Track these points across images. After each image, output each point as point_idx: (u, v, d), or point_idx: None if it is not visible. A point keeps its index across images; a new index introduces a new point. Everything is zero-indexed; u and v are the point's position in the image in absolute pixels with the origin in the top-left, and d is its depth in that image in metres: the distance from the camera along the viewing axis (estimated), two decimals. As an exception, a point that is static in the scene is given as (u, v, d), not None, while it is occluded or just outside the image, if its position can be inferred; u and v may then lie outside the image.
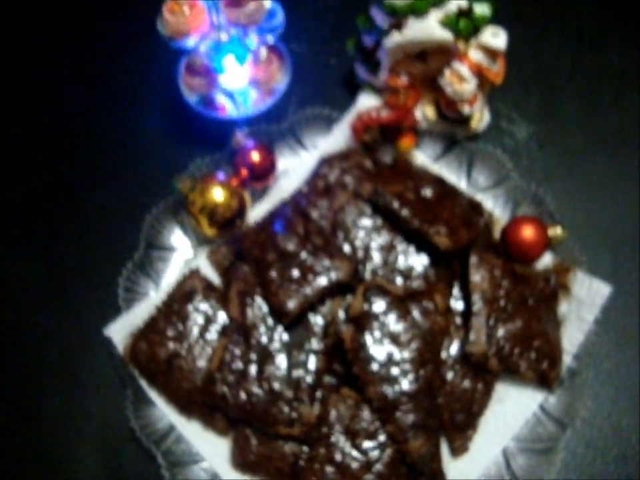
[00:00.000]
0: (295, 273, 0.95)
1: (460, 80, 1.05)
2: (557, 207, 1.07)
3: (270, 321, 0.95)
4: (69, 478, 0.98)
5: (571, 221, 1.09)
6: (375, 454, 0.90)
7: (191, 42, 1.04)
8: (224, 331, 0.97)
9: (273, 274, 0.95)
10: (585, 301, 1.00)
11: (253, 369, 0.93)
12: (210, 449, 0.96)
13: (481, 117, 1.13)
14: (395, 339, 0.91)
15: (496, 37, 1.03)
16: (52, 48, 1.33)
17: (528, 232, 1.00)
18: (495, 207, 1.09)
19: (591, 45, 1.27)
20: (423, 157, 1.12)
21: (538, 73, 1.25)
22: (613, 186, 1.14)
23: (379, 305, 0.93)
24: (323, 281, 0.94)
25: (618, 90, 1.22)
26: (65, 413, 1.01)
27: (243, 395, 0.92)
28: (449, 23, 1.03)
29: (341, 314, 0.96)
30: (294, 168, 1.13)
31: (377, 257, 0.99)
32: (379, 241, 1.00)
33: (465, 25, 1.03)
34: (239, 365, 0.93)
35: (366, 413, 0.91)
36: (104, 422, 1.00)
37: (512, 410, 0.96)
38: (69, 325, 1.07)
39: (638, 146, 1.17)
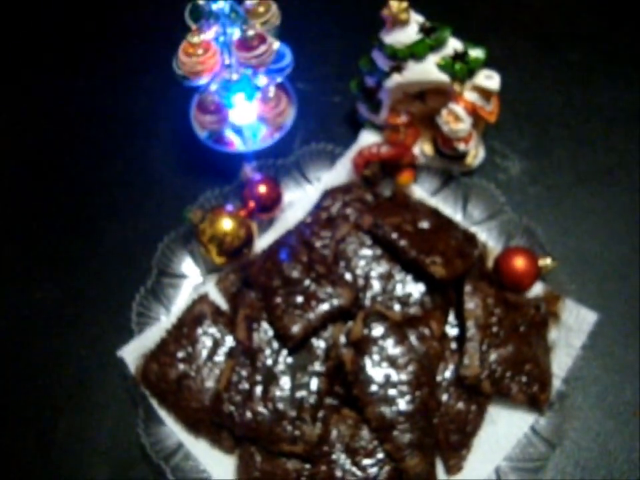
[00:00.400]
0: (299, 299, 0.98)
1: (456, 119, 1.09)
2: (547, 239, 1.10)
3: (275, 345, 0.98)
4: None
5: (561, 252, 1.13)
6: (373, 471, 0.92)
7: (203, 81, 1.08)
8: (231, 354, 1.00)
9: (278, 300, 0.99)
10: (573, 327, 1.03)
11: (258, 390, 0.95)
12: (216, 465, 0.98)
13: (476, 154, 1.17)
14: (392, 362, 0.95)
15: (490, 79, 1.08)
16: (65, 81, 1.39)
17: (520, 262, 1.04)
18: (489, 239, 1.12)
19: (581, 87, 1.32)
20: (421, 191, 1.16)
21: (530, 113, 1.29)
22: (600, 220, 1.17)
23: (378, 330, 0.96)
24: (325, 307, 0.97)
25: (606, 129, 1.26)
26: (78, 430, 1.04)
27: (248, 414, 0.94)
28: (445, 66, 1.08)
29: (342, 338, 0.99)
30: (299, 200, 1.16)
31: (376, 285, 1.02)
32: (378, 270, 1.03)
33: (461, 68, 1.07)
34: (245, 385, 0.96)
35: (365, 432, 0.94)
36: (116, 439, 1.03)
37: (504, 431, 0.99)
38: (84, 347, 1.10)
39: (624, 182, 1.21)
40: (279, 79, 1.15)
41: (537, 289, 1.07)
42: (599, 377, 1.05)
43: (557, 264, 1.06)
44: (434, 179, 1.17)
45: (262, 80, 1.13)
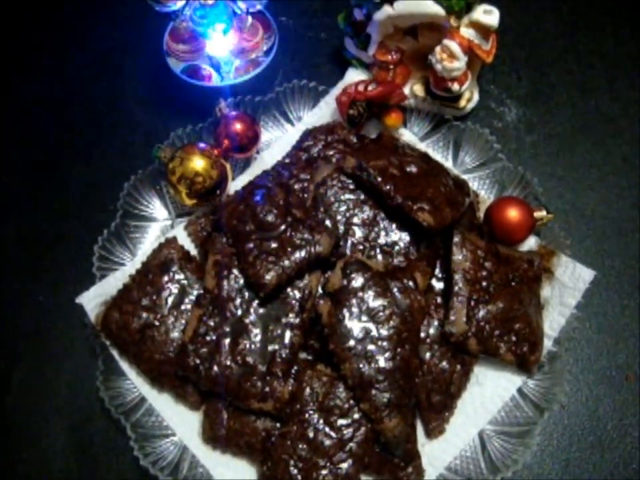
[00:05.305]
0: (274, 245, 0.93)
1: (450, 57, 1.02)
2: (543, 190, 1.06)
3: (246, 294, 0.93)
4: (36, 448, 0.97)
5: (557, 205, 1.09)
6: (348, 432, 0.88)
7: (177, 5, 1.01)
8: (198, 302, 0.95)
9: (251, 245, 0.93)
10: (568, 285, 0.99)
11: (226, 342, 0.91)
12: (180, 422, 0.95)
13: (470, 97, 1.12)
14: (373, 315, 0.90)
15: (489, 15, 1.01)
16: (31, 15, 1.32)
17: (513, 213, 0.99)
18: (481, 188, 1.08)
19: (585, 31, 1.25)
20: (410, 135, 1.11)
21: (530, 57, 1.23)
22: (600, 172, 1.13)
23: (358, 281, 0.91)
24: (302, 254, 0.92)
25: (610, 76, 1.21)
26: (34, 382, 1.00)
27: (215, 368, 0.90)
28: (441, -2, 1.00)
29: (319, 289, 0.95)
30: (277, 140, 1.12)
31: (358, 232, 0.98)
32: (360, 216, 0.98)
33: (458, 1, 1.00)
34: (212, 337, 0.91)
35: (341, 391, 0.90)
36: (74, 392, 0.99)
37: (490, 392, 0.96)
38: (43, 293, 1.06)
39: (627, 133, 1.16)
40: (259, 6, 1.09)
41: (531, 243, 1.03)
42: (592, 339, 1.02)
43: (553, 217, 1.01)
44: (424, 122, 1.12)
45: (239, 6, 1.06)
